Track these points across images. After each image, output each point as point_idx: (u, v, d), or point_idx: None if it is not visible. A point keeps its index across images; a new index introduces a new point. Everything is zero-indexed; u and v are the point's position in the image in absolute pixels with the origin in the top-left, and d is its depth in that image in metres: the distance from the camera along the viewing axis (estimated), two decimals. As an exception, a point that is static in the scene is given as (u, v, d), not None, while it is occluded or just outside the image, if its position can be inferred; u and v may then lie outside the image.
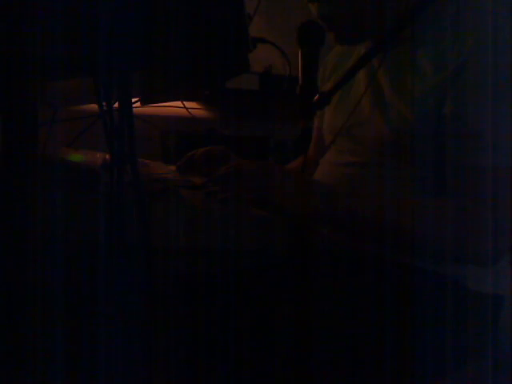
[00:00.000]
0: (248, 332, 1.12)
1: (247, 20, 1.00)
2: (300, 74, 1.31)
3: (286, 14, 2.54)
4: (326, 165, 1.44)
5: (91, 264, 0.90)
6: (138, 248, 0.87)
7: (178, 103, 1.77)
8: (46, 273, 0.86)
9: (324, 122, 1.49)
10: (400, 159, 1.26)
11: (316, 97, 1.31)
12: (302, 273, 1.22)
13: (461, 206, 1.18)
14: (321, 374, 1.12)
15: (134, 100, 1.09)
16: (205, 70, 0.93)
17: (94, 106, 0.88)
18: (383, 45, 1.29)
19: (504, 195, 1.18)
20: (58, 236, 0.89)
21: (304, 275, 1.22)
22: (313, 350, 1.12)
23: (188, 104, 1.93)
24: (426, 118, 1.22)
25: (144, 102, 1.36)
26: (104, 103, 0.86)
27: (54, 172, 1.02)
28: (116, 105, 0.87)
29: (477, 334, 1.23)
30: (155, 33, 0.86)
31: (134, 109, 0.87)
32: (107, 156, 0.88)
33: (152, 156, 1.77)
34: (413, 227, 1.18)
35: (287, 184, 1.20)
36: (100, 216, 0.90)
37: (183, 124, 2.53)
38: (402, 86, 1.27)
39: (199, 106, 2.76)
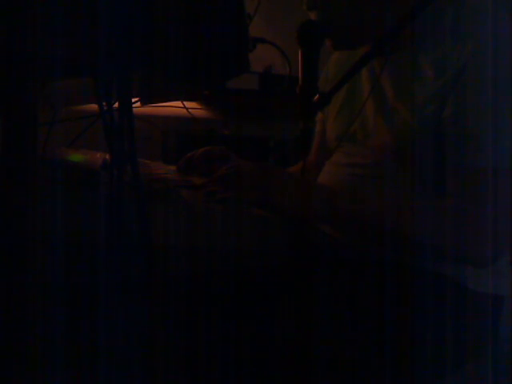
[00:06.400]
0: (248, 333, 1.12)
1: (247, 20, 1.00)
2: (300, 74, 1.31)
3: (286, 14, 2.54)
4: (333, 166, 1.44)
5: (91, 264, 0.90)
6: (138, 248, 0.87)
7: (178, 103, 1.76)
8: (46, 273, 0.86)
9: (327, 127, 1.50)
10: (402, 162, 1.27)
11: (316, 97, 1.31)
12: (302, 273, 1.22)
13: (461, 207, 1.18)
14: (321, 374, 1.12)
15: (134, 100, 1.09)
16: (205, 70, 0.93)
17: (94, 106, 0.88)
18: (382, 46, 1.30)
19: (504, 196, 1.18)
20: (58, 236, 0.89)
21: (304, 275, 1.22)
22: (313, 350, 1.12)
23: (188, 104, 1.93)
24: (428, 121, 1.22)
25: (144, 102, 1.36)
26: (104, 103, 0.86)
27: (54, 172, 1.02)
28: (116, 105, 0.86)
29: (477, 334, 1.23)
30: (155, 33, 0.86)
31: (133, 109, 0.87)
32: (107, 156, 0.88)
33: (152, 156, 1.77)
34: (413, 228, 1.18)
35: (287, 185, 1.20)
36: (100, 216, 0.90)
37: (183, 124, 2.53)
38: (405, 91, 1.27)
39: (199, 105, 2.76)
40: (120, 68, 0.85)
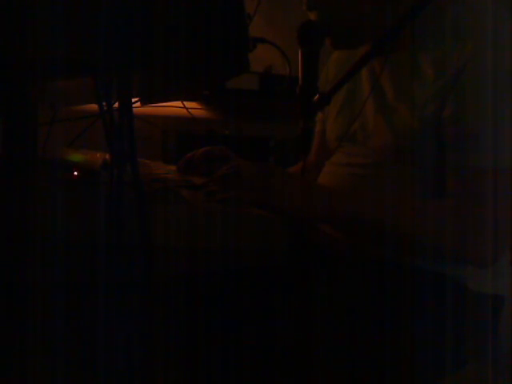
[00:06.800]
0: (248, 332, 1.12)
1: (247, 20, 1.00)
2: (300, 74, 1.31)
3: (286, 14, 2.54)
4: (333, 166, 1.45)
5: (91, 264, 0.90)
6: (137, 248, 0.87)
7: (178, 103, 1.76)
8: (46, 273, 0.86)
9: (327, 127, 1.50)
10: (402, 162, 1.27)
11: (316, 97, 1.31)
12: (302, 273, 1.22)
13: (461, 207, 1.18)
14: (321, 373, 1.12)
15: (134, 100, 1.09)
16: (205, 70, 0.93)
17: (94, 106, 0.88)
18: (382, 46, 1.30)
19: (504, 196, 1.18)
20: (58, 236, 0.89)
21: (304, 275, 1.22)
22: (313, 349, 1.12)
23: (188, 104, 1.93)
24: (428, 121, 1.22)
25: (144, 102, 1.36)
26: (104, 103, 0.86)
27: (54, 172, 1.02)
28: (116, 105, 0.87)
29: (477, 334, 1.23)
30: (155, 33, 0.86)
31: (134, 109, 0.87)
32: (107, 156, 0.88)
33: (152, 156, 1.77)
34: (413, 228, 1.18)
35: (287, 185, 1.20)
36: (100, 216, 0.90)
37: (183, 124, 2.53)
38: (405, 91, 1.27)
39: (199, 105, 2.76)
40: (120, 68, 0.85)
